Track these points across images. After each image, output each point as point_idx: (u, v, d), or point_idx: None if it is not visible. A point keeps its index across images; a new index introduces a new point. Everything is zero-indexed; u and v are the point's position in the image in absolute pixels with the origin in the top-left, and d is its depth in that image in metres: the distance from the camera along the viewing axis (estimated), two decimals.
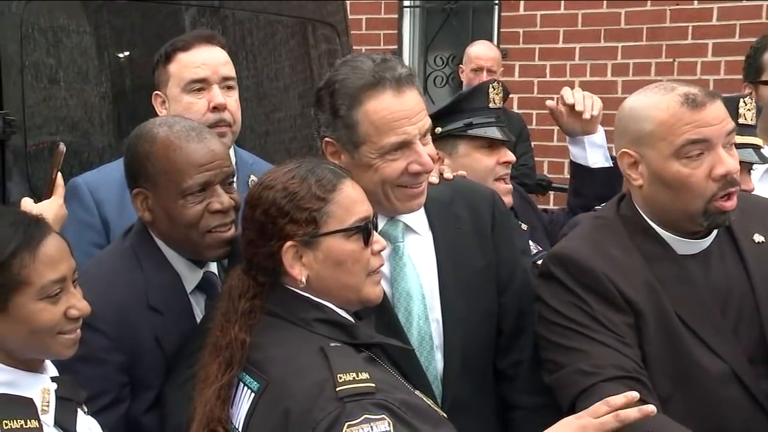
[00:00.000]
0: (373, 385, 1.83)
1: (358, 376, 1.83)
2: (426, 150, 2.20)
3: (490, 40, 7.01)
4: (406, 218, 2.30)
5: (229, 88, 2.81)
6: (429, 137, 2.25)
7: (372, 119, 2.16)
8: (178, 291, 2.27)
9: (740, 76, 3.84)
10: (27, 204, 2.39)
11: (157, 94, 2.84)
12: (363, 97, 2.16)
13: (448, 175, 2.49)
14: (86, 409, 2.02)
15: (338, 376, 1.82)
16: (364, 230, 1.99)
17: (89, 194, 2.70)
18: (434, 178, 2.40)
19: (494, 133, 2.95)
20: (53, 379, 1.96)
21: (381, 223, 2.23)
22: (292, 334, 1.96)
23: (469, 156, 2.95)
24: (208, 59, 2.79)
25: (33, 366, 1.94)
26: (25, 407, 1.85)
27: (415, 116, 2.18)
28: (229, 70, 2.82)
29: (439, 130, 2.91)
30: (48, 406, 1.90)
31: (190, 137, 2.22)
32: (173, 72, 2.79)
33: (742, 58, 3.82)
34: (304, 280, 1.97)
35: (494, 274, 2.38)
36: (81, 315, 1.92)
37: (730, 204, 2.19)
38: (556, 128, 6.42)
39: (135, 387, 2.20)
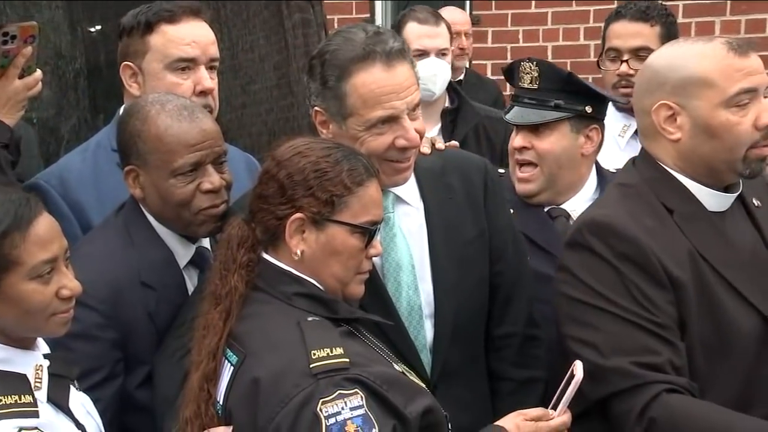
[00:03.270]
0: (347, 360, 1.85)
1: (332, 352, 1.85)
2: (414, 125, 2.20)
3: (462, 7, 6.99)
4: (396, 189, 2.31)
5: (212, 68, 2.60)
6: (419, 112, 2.23)
7: (360, 92, 2.16)
8: (171, 267, 2.27)
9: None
10: None
11: (127, 65, 2.57)
12: (352, 69, 2.16)
13: (440, 145, 2.48)
14: (77, 386, 2.03)
15: (312, 352, 1.84)
16: (370, 233, 2.01)
17: (60, 199, 2.47)
18: (426, 149, 2.40)
19: (510, 113, 2.75)
20: (46, 356, 1.97)
21: None
22: (272, 308, 1.98)
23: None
24: (198, 37, 2.56)
25: (25, 343, 1.94)
26: (19, 383, 1.86)
27: (404, 91, 2.17)
28: (216, 50, 2.61)
29: None
30: (41, 382, 1.91)
31: (182, 116, 2.20)
32: (155, 45, 2.53)
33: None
34: (299, 252, 1.98)
35: (487, 243, 2.38)
36: (72, 295, 1.92)
37: None
38: None
39: (128, 362, 2.21)
